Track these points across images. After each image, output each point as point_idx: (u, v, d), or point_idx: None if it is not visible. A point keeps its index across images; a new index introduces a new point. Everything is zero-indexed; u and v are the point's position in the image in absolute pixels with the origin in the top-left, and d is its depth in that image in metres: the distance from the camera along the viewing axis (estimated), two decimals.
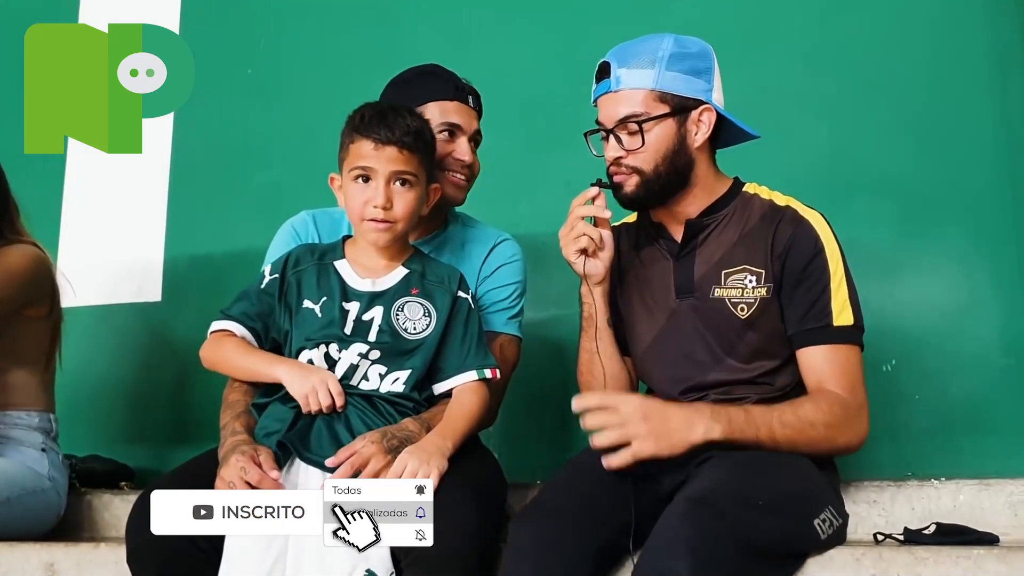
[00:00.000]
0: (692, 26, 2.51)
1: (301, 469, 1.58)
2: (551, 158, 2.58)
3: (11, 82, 2.58)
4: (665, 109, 1.67)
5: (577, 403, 1.50)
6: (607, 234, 1.73)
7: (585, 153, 1.78)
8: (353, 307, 1.69)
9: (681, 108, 1.68)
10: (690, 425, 1.50)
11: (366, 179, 1.67)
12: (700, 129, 1.69)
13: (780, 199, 1.74)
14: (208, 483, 1.56)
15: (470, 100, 1.91)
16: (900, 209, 2.33)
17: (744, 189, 1.76)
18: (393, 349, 1.68)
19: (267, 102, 2.90)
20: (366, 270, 1.73)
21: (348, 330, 1.67)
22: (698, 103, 1.68)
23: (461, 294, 1.76)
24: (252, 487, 1.51)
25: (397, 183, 1.68)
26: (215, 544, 1.52)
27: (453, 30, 2.77)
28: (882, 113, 2.38)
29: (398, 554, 1.50)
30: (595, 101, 1.74)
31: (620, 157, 1.69)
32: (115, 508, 2.29)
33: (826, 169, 2.38)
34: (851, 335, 1.64)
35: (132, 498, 2.04)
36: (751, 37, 2.51)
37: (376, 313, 1.69)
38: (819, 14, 2.48)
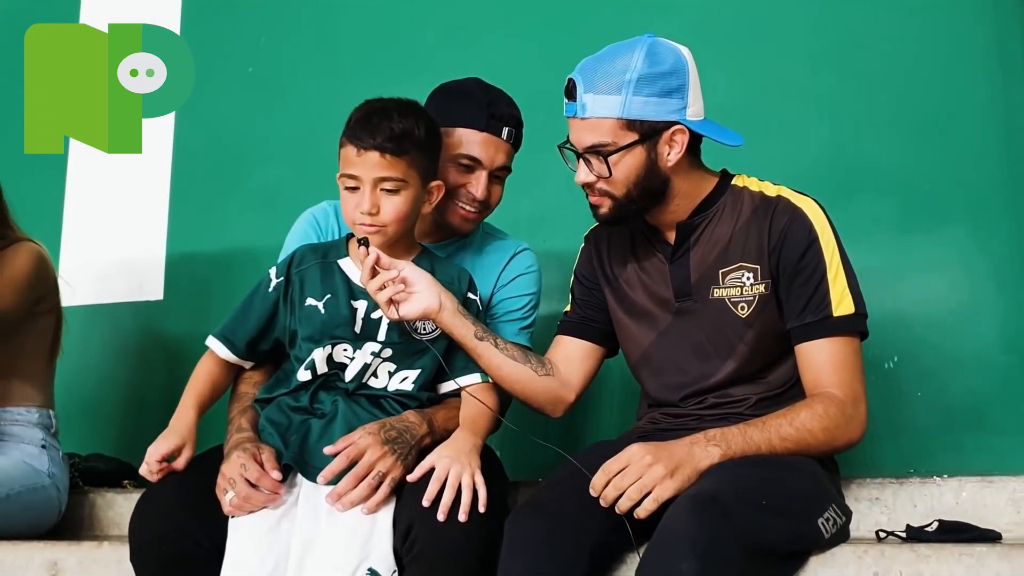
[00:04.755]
0: (693, 24, 2.53)
1: (304, 480, 1.58)
2: (552, 157, 2.57)
3: (11, 82, 2.58)
4: (633, 137, 1.61)
5: (594, 490, 1.48)
6: (405, 271, 1.65)
7: None
8: (361, 305, 1.68)
9: (651, 132, 1.62)
10: (692, 453, 1.49)
11: (353, 186, 1.64)
12: (673, 150, 1.63)
13: (771, 189, 1.70)
14: (210, 481, 1.57)
15: (504, 132, 1.83)
16: (901, 206, 2.33)
17: (733, 182, 1.73)
18: (404, 348, 1.67)
19: (268, 101, 2.90)
20: None
21: (358, 329, 1.66)
22: (670, 124, 1.62)
23: (470, 295, 1.75)
24: (252, 485, 1.53)
25: (383, 188, 1.64)
26: (218, 543, 1.53)
27: (454, 28, 2.77)
28: (883, 110, 2.38)
29: (400, 551, 1.50)
30: (566, 117, 1.68)
31: (591, 182, 1.66)
32: (118, 507, 2.29)
33: (827, 166, 2.37)
34: (852, 324, 1.62)
35: (135, 496, 2.04)
36: (752, 34, 2.51)
37: None
38: (820, 11, 2.47)
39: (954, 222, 2.29)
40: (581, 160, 1.66)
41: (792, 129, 2.42)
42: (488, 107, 1.83)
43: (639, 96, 1.60)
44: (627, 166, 1.63)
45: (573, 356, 1.82)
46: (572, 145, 1.67)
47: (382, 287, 1.62)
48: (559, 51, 2.62)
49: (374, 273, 1.63)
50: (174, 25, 2.94)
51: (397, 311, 1.62)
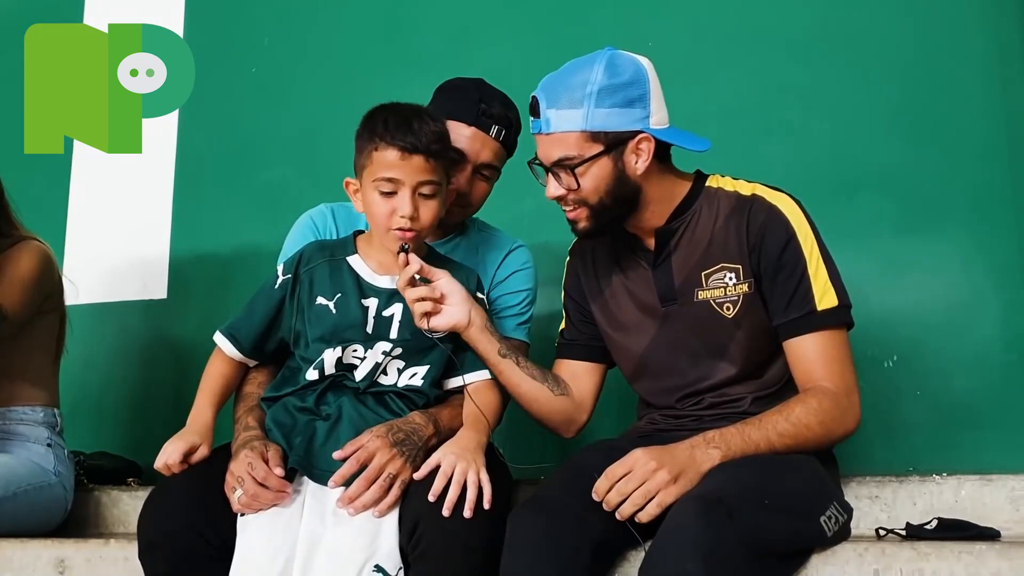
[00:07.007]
0: (693, 24, 2.54)
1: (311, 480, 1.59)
2: None
3: (11, 82, 2.58)
4: (598, 148, 1.62)
5: (597, 494, 1.49)
6: (440, 283, 1.68)
7: None
8: (372, 303, 1.69)
9: (616, 142, 1.62)
10: (694, 457, 1.50)
11: (391, 190, 1.63)
12: (640, 158, 1.64)
13: (745, 188, 1.71)
14: (219, 479, 1.58)
15: (493, 130, 1.82)
16: (901, 206, 2.34)
17: (707, 183, 1.73)
18: (414, 346, 1.68)
19: (271, 100, 2.91)
20: (382, 267, 1.72)
21: (370, 329, 1.67)
22: (635, 134, 1.63)
23: (478, 295, 1.76)
24: (259, 483, 1.54)
25: (422, 192, 1.64)
26: (226, 541, 1.54)
27: (456, 29, 2.78)
28: (883, 110, 2.39)
29: (406, 548, 1.51)
30: (532, 134, 1.68)
31: (562, 195, 1.67)
32: (123, 504, 2.30)
33: (827, 166, 2.39)
34: (837, 316, 1.63)
35: (140, 494, 2.06)
36: (752, 34, 2.52)
37: (396, 310, 1.69)
38: (820, 11, 2.48)
39: (954, 222, 2.30)
40: (550, 175, 1.66)
41: (792, 130, 2.43)
42: (479, 103, 1.83)
43: (601, 108, 1.61)
44: (595, 177, 1.64)
45: (579, 377, 1.83)
46: (540, 161, 1.68)
47: (420, 299, 1.64)
48: (562, 52, 2.62)
49: (412, 282, 1.64)
50: (178, 25, 2.95)
51: (428, 323, 1.65)
